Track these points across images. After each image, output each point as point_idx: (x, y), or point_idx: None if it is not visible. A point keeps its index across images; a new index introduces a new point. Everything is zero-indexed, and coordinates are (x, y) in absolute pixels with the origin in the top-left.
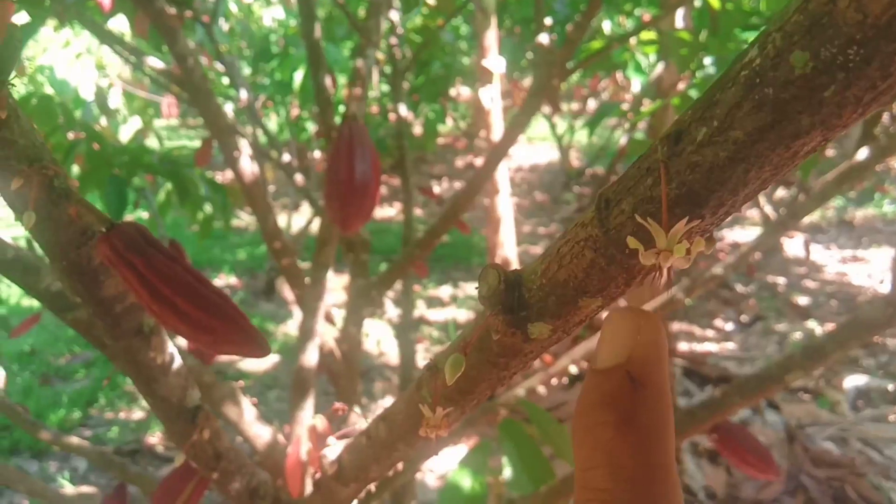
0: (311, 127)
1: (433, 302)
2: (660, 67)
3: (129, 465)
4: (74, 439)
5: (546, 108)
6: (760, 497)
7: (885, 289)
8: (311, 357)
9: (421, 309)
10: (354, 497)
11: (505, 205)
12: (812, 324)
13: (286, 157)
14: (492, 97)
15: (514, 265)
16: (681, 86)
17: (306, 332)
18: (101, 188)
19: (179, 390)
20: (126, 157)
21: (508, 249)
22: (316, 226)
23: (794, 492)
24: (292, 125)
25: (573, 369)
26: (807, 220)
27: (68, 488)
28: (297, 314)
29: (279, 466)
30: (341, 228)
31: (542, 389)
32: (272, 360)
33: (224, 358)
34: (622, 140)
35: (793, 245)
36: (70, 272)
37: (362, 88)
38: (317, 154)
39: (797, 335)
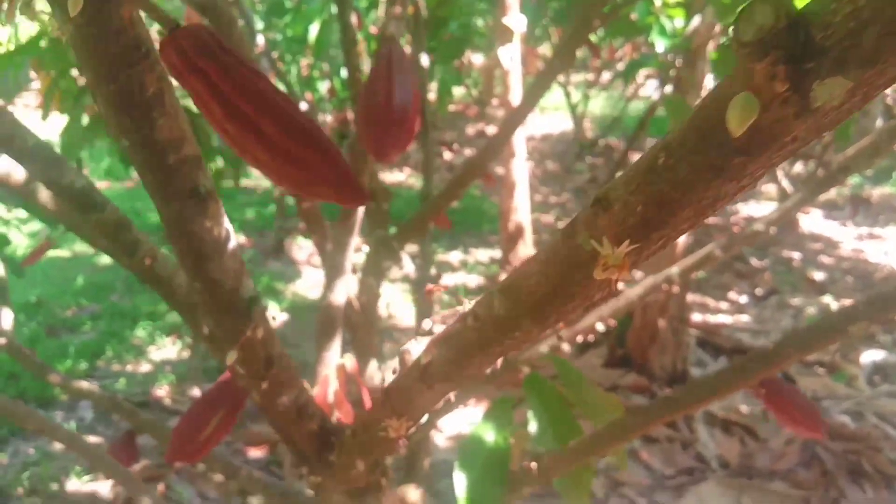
0: (324, 86)
1: (443, 267)
2: (695, 21)
3: (139, 412)
4: (84, 384)
5: (561, 77)
6: (775, 467)
7: None
8: (339, 295)
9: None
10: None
11: (520, 169)
12: (828, 299)
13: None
14: (512, 56)
15: (528, 232)
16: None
17: (335, 268)
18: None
19: (234, 275)
20: None
21: (522, 215)
22: None
23: (809, 463)
24: (303, 84)
25: (600, 327)
26: (822, 196)
27: None
28: (307, 273)
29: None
30: (376, 156)
31: (566, 347)
32: (282, 318)
33: None
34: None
35: (808, 221)
36: (118, 102)
37: (401, 7)
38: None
39: (812, 310)
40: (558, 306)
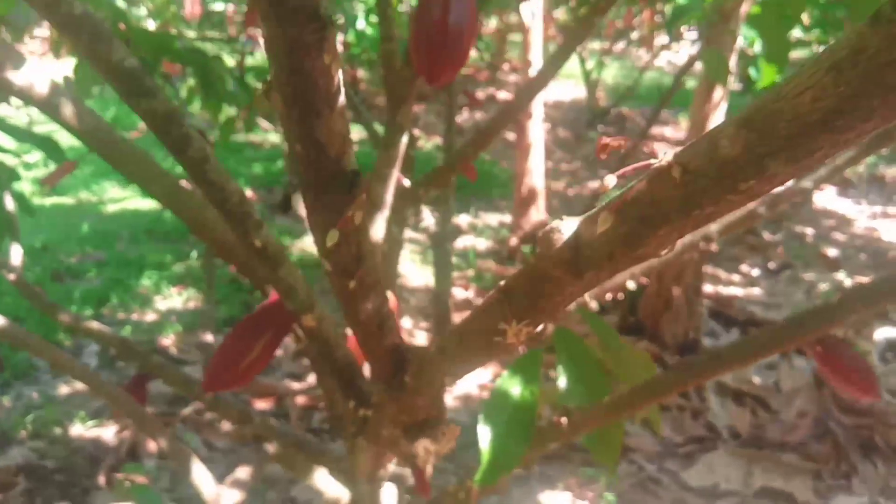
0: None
1: (452, 229)
2: None
3: (151, 355)
4: (94, 324)
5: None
6: (786, 439)
7: None
8: (378, 230)
9: None
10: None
11: (537, 131)
12: (841, 275)
13: None
14: (533, 13)
15: (541, 195)
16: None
17: (376, 201)
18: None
19: (340, 140)
20: (153, 42)
21: (537, 178)
22: None
23: (821, 437)
24: None
25: (631, 285)
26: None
27: (79, 384)
28: None
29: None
30: (428, 79)
31: (594, 305)
32: None
33: None
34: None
35: (822, 197)
36: None
37: None
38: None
39: (825, 286)
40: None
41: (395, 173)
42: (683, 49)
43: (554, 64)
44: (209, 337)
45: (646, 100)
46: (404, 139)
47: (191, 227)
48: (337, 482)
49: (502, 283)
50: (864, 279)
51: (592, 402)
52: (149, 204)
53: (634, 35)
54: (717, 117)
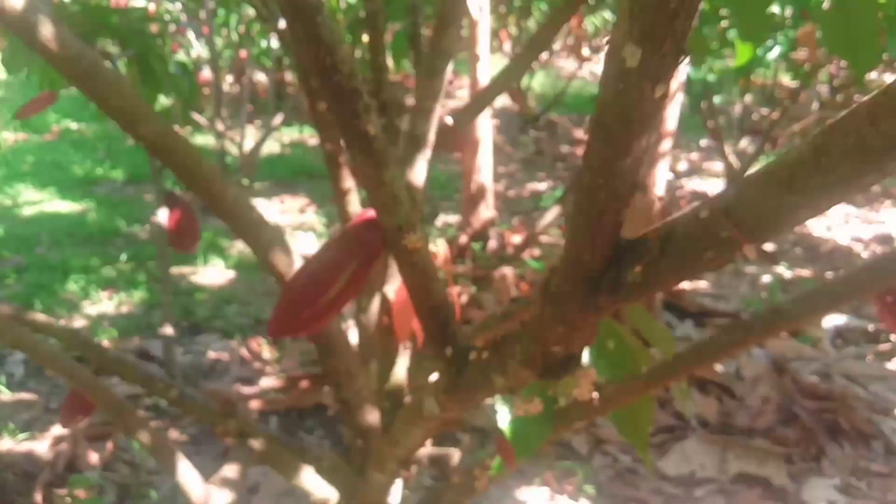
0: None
1: None
2: None
3: (106, 350)
4: (40, 316)
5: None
6: (754, 425)
7: (844, 240)
8: (419, 173)
9: None
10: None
11: (485, 128)
12: (781, 268)
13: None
14: (481, 6)
15: (490, 192)
16: None
17: (418, 140)
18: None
19: None
20: (89, 16)
21: (485, 175)
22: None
23: (787, 422)
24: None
25: None
26: None
27: (5, 395)
28: None
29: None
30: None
31: None
32: (228, 275)
33: (178, 270)
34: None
35: None
36: None
37: None
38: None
39: (767, 278)
40: None
41: (439, 107)
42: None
43: (518, 66)
44: (148, 342)
45: (573, 107)
46: (449, 68)
47: (181, 178)
48: (324, 481)
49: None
50: (805, 272)
51: (616, 376)
52: (68, 206)
53: (557, 46)
54: (672, 108)
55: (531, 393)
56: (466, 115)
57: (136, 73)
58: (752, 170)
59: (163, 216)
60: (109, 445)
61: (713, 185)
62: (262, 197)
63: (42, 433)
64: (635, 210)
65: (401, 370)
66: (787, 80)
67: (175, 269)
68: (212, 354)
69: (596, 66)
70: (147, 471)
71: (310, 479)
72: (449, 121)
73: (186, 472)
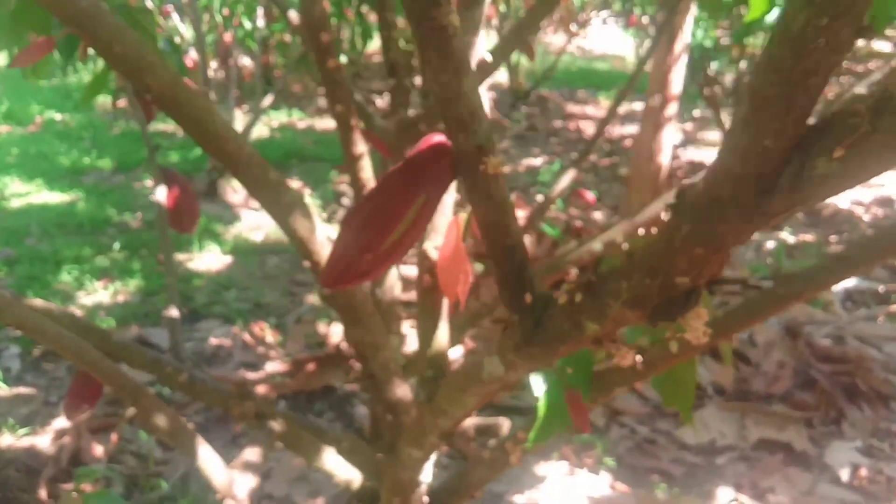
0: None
1: None
2: None
3: (111, 334)
4: (38, 301)
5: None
6: (771, 390)
7: (844, 204)
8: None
9: None
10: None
11: (482, 98)
12: (784, 234)
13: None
14: None
15: None
16: None
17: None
18: (44, 30)
19: None
20: None
21: None
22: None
23: (804, 386)
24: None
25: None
26: None
27: (3, 390)
28: (245, 216)
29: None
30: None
31: (624, 246)
32: (224, 261)
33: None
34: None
35: None
36: None
37: None
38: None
39: (771, 243)
40: None
41: (478, 40)
42: (591, 35)
43: (516, 36)
44: (146, 329)
45: (562, 82)
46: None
47: (193, 134)
48: (346, 463)
49: None
50: (808, 237)
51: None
52: (57, 197)
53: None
54: (678, 70)
55: (577, 360)
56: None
57: None
58: None
59: (161, 195)
60: (114, 437)
61: (711, 156)
62: None
63: (43, 427)
64: (641, 176)
65: (443, 335)
66: None
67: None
68: (213, 341)
69: (583, 40)
70: (155, 461)
71: (332, 460)
72: (488, 57)
73: (208, 457)
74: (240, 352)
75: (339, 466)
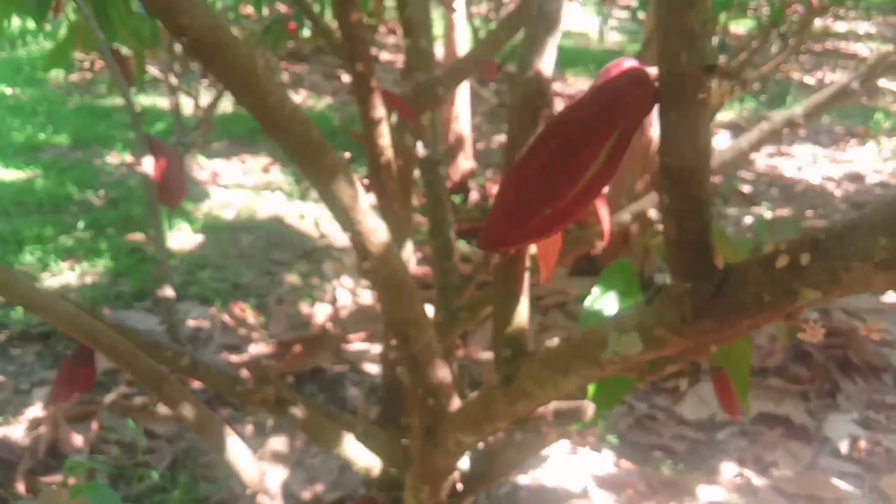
0: None
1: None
2: None
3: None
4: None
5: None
6: (765, 364)
7: (815, 179)
8: (549, 61)
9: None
10: None
11: None
12: (762, 209)
13: None
14: None
15: (468, 142)
16: None
17: (547, 19)
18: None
19: None
20: None
21: (463, 124)
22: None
23: (797, 359)
24: None
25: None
26: (726, 118)
27: None
28: (215, 193)
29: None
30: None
31: (653, 214)
32: (196, 239)
33: (140, 237)
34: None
35: (717, 140)
36: None
37: None
38: None
39: (749, 219)
40: None
41: None
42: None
43: (500, 37)
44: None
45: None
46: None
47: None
48: (366, 450)
49: None
50: (784, 211)
51: None
52: (13, 174)
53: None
54: None
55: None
56: (447, 83)
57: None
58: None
59: (148, 165)
60: (94, 426)
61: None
62: (220, 157)
63: (16, 417)
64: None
65: (523, 311)
66: (739, 28)
67: (136, 237)
68: (191, 323)
69: None
70: (142, 450)
71: (351, 447)
72: None
73: (237, 450)
74: (220, 334)
75: (358, 453)
